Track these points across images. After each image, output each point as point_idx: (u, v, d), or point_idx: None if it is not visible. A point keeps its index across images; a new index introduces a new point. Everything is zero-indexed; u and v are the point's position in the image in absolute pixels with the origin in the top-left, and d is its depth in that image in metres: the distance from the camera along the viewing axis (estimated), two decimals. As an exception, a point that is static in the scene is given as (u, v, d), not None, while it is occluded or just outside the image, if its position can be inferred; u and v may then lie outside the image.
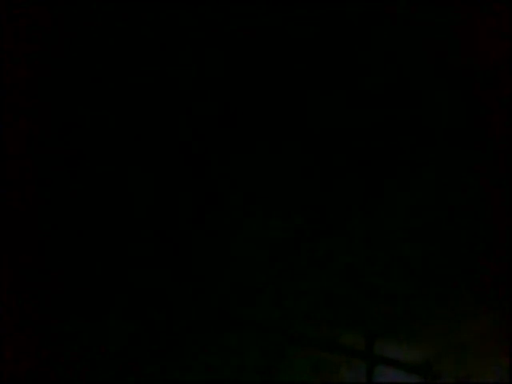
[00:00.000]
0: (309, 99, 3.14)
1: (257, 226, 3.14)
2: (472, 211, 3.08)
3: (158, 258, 3.14)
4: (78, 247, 3.14)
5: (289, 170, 3.14)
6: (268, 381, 3.02)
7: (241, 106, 3.16)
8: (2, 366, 3.00)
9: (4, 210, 3.10)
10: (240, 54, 3.16)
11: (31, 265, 3.10)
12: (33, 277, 3.09)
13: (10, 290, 3.07)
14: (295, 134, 3.14)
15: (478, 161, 3.10)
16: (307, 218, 3.13)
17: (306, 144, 3.14)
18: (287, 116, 3.14)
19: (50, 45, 3.18)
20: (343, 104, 3.12)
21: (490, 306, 3.01)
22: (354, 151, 3.12)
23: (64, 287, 3.11)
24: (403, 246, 3.07)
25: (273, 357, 3.06)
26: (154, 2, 3.18)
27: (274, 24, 3.13)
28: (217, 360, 3.05)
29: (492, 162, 3.09)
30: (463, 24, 3.10)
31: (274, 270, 3.13)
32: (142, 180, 3.19)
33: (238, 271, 3.13)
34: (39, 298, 3.09)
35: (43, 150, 3.17)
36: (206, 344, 3.08)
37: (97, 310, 3.10)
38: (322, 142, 3.13)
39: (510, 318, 2.99)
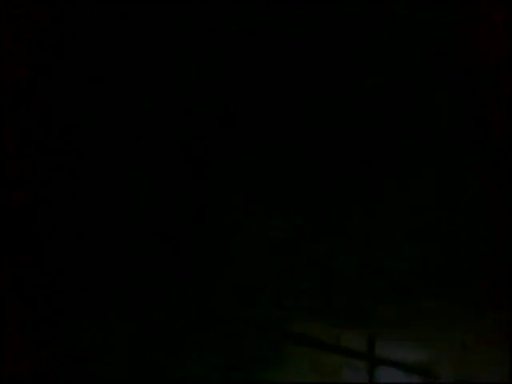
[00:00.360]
0: (309, 99, 3.14)
1: (257, 226, 3.14)
2: (472, 211, 3.08)
3: (158, 258, 3.14)
4: (78, 247, 3.14)
5: (289, 170, 3.14)
6: (268, 381, 3.02)
7: (241, 106, 3.16)
8: (1, 366, 3.00)
9: (4, 210, 3.10)
10: (240, 54, 3.16)
11: (31, 265, 3.10)
12: (33, 277, 3.09)
13: (10, 289, 3.06)
14: (295, 134, 3.14)
15: (477, 161, 3.10)
16: (307, 218, 3.13)
17: (305, 144, 3.14)
18: (287, 116, 3.14)
19: (50, 45, 3.18)
20: (343, 104, 3.12)
21: (490, 306, 3.01)
22: (354, 151, 3.12)
23: (64, 287, 3.11)
24: (403, 246, 3.07)
25: (273, 357, 3.06)
26: (154, 2, 3.18)
27: (274, 24, 3.13)
28: (216, 360, 3.05)
29: (492, 162, 3.09)
30: (463, 24, 3.10)
31: (274, 269, 3.13)
32: (142, 180, 3.19)
33: (237, 271, 3.13)
34: (39, 297, 3.09)
35: (43, 149, 3.17)
36: (206, 344, 3.08)
37: (97, 310, 3.10)
38: (322, 142, 3.13)
39: (510, 318, 2.99)
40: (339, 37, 3.11)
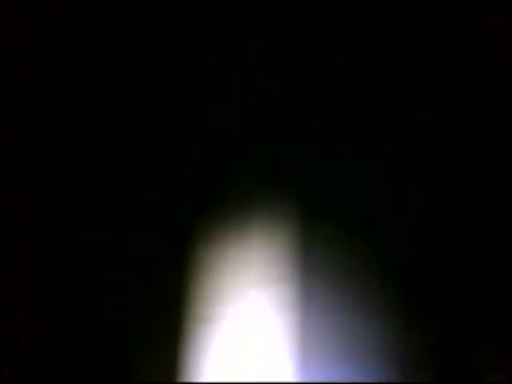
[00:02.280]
0: (308, 99, 3.14)
1: (257, 225, 3.14)
2: (472, 211, 3.08)
3: (158, 257, 3.14)
4: (78, 247, 3.14)
5: (289, 169, 3.14)
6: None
7: (240, 105, 3.16)
8: (2, 366, 3.01)
9: (4, 210, 3.10)
10: (240, 54, 3.16)
11: (31, 265, 3.11)
12: (33, 277, 3.10)
13: (10, 289, 3.07)
14: (295, 134, 3.15)
15: (477, 160, 3.10)
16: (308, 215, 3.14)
17: (305, 144, 3.14)
18: (287, 116, 3.15)
19: (50, 45, 3.19)
20: (343, 104, 3.12)
21: (489, 307, 3.02)
22: (354, 151, 3.13)
23: (64, 287, 3.11)
24: (403, 245, 3.08)
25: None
26: (155, 2, 3.19)
27: (274, 24, 3.13)
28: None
29: (492, 161, 3.09)
30: (463, 24, 3.11)
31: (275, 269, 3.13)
32: (142, 180, 3.19)
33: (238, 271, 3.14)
34: (39, 298, 3.09)
35: (43, 149, 3.18)
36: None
37: (97, 310, 3.10)
38: (322, 142, 3.13)
39: (510, 317, 3.00)
40: (339, 36, 3.12)
